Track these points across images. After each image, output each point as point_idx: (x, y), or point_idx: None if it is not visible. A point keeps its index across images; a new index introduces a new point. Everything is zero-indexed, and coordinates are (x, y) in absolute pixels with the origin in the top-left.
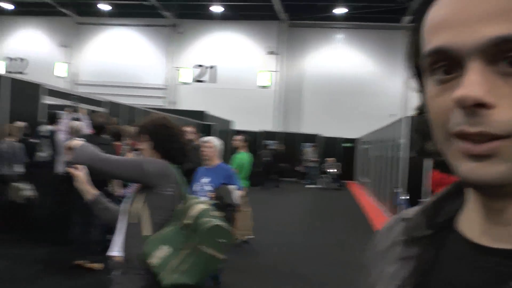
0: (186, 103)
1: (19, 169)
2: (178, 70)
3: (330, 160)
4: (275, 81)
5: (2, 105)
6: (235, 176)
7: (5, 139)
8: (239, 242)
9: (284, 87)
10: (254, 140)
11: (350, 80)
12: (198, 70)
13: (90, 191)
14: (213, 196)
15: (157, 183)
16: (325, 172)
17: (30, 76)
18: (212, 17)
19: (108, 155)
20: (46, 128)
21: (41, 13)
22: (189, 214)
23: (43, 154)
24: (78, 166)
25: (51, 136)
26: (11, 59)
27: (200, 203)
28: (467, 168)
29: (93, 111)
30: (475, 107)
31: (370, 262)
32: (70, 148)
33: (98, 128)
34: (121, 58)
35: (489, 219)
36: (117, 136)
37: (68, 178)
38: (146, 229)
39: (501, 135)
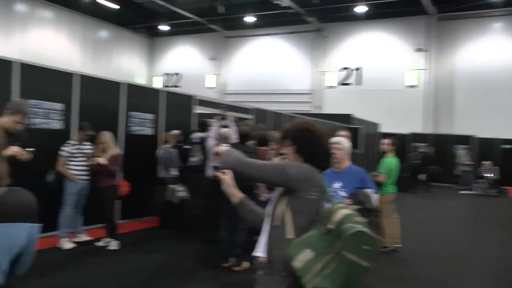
0: (332, 107)
1: (174, 172)
2: (324, 74)
3: (486, 163)
4: (424, 80)
5: (160, 115)
6: (368, 179)
7: (162, 146)
8: (387, 251)
9: (434, 86)
10: (402, 142)
11: (509, 74)
12: (343, 73)
13: (236, 194)
14: (350, 202)
15: (300, 187)
16: (481, 177)
17: (184, 89)
18: (356, 18)
19: (252, 160)
20: (197, 135)
21: (193, 31)
22: (332, 219)
23: (194, 159)
24: (225, 170)
25: (202, 142)
26: (167, 74)
27: (344, 208)
28: None
29: (240, 118)
30: None
31: None
32: (217, 154)
33: (243, 136)
34: (267, 67)
35: None
36: (264, 141)
37: (217, 182)
38: (289, 232)
39: None
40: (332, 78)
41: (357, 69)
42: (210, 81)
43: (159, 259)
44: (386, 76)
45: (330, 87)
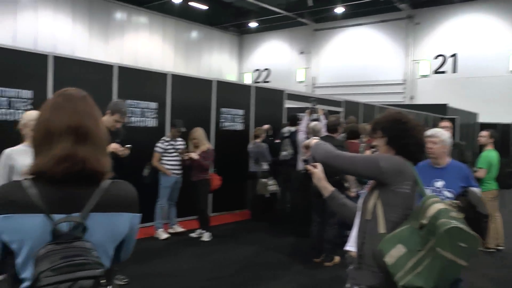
0: (426, 97)
1: (264, 166)
2: (418, 63)
3: None
4: None
5: (251, 111)
6: (472, 176)
7: (253, 141)
8: (489, 251)
9: None
10: (506, 133)
11: None
12: (437, 61)
13: (327, 188)
14: (458, 204)
15: (392, 180)
16: None
17: (273, 84)
18: (450, 1)
19: (343, 152)
20: (287, 129)
21: (281, 26)
22: (426, 214)
23: (284, 153)
24: (316, 164)
25: (292, 136)
26: (257, 70)
27: (439, 202)
28: None
29: (330, 112)
30: None
31: None
32: (307, 147)
33: (332, 129)
34: (357, 58)
35: None
36: (355, 134)
37: (307, 176)
38: (381, 226)
39: None
40: (425, 66)
41: (453, 55)
42: (300, 75)
43: (250, 251)
44: (486, 62)
45: (424, 76)
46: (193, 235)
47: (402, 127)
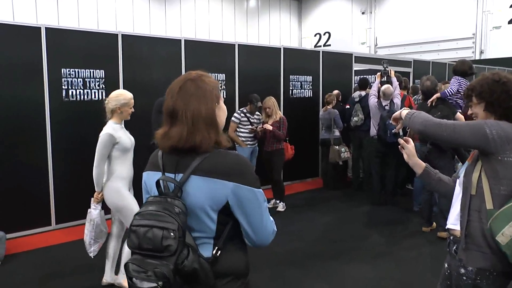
0: (499, 50)
1: (336, 133)
2: (491, 13)
3: None
4: None
5: (320, 77)
6: None
7: (324, 107)
8: None
9: None
10: None
11: None
12: None
13: (419, 164)
14: None
15: (500, 148)
16: None
17: (334, 47)
18: None
19: (442, 120)
20: (358, 94)
21: None
22: None
23: (355, 118)
24: (408, 139)
25: (362, 101)
26: (317, 34)
27: None
28: None
29: (399, 73)
30: None
31: None
32: (398, 118)
33: (427, 94)
34: (421, 14)
35: None
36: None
37: (382, 142)
38: (488, 201)
39: None
40: (499, 17)
41: None
42: (362, 36)
43: (327, 220)
44: None
45: (497, 27)
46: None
47: (501, 90)
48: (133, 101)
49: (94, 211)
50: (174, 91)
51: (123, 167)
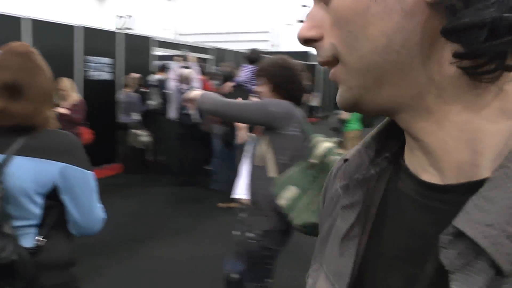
0: (289, 45)
1: (136, 117)
2: (284, 12)
3: None
4: None
5: (119, 59)
6: None
7: (122, 90)
8: None
9: None
10: None
11: None
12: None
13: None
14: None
15: (280, 124)
16: None
17: (137, 31)
18: None
19: (231, 100)
20: (155, 77)
21: None
22: (314, 153)
23: (152, 102)
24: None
25: (161, 85)
26: (120, 17)
27: (325, 141)
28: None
29: (199, 59)
30: (311, 42)
31: (320, 219)
32: (191, 99)
33: (227, 78)
34: (222, 6)
35: (416, 149)
36: (230, 79)
37: (181, 124)
38: (272, 170)
39: (326, 60)
40: (289, 15)
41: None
42: (165, 23)
43: (131, 205)
44: None
45: (290, 25)
46: None
47: (286, 73)
48: None
49: None
50: (9, 64)
51: None
